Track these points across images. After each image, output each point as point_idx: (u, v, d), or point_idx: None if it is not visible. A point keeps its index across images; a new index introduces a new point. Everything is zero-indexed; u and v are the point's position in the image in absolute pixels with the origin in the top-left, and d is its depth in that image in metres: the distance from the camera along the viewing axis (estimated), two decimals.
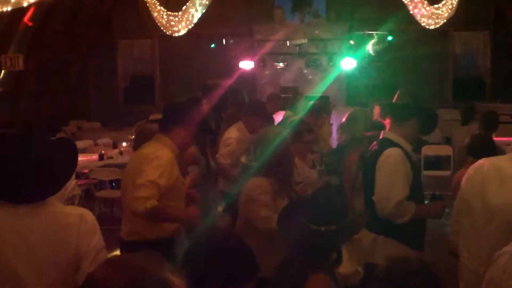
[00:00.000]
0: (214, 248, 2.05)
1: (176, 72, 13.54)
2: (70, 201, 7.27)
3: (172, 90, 12.76)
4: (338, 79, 12.07)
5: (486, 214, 2.67)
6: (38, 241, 2.37)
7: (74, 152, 2.61)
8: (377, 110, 4.52)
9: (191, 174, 4.35)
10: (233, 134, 5.65)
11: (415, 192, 3.49)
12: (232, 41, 12.81)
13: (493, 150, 4.36)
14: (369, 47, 11.78)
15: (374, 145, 3.67)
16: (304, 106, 6.67)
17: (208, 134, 4.97)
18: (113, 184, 8.94)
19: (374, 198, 3.47)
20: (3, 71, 10.41)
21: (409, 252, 3.30)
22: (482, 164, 2.82)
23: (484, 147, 4.43)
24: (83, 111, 14.03)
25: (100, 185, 8.85)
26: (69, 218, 2.46)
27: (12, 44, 10.44)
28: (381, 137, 3.66)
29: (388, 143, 3.52)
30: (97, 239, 2.50)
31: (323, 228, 2.59)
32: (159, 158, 3.53)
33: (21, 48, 10.62)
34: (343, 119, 5.60)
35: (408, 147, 3.53)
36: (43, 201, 2.42)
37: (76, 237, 2.43)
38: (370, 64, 12.45)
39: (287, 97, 8.59)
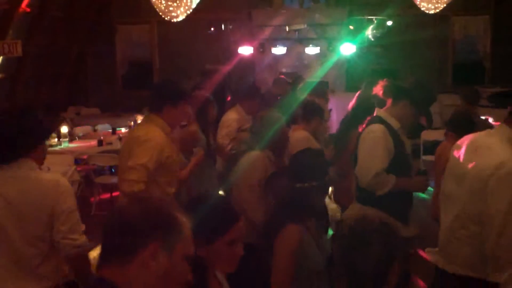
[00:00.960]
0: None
1: (175, 57, 13.49)
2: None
3: (170, 75, 12.72)
4: (337, 64, 12.03)
5: (460, 176, 2.79)
6: (18, 200, 2.76)
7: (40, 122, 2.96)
8: (379, 86, 4.66)
9: (196, 154, 4.59)
10: (232, 116, 6.14)
11: (401, 168, 3.70)
12: (231, 27, 12.73)
13: (472, 125, 4.58)
14: (369, 32, 11.70)
15: (366, 121, 3.88)
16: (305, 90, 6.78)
17: (208, 115, 5.28)
18: (112, 170, 8.94)
19: (356, 169, 3.74)
20: (1, 57, 10.36)
21: (393, 223, 3.30)
22: (464, 138, 2.95)
23: (463, 122, 4.74)
24: (82, 97, 14.00)
25: (99, 171, 8.86)
26: (47, 182, 2.83)
27: (10, 30, 10.38)
28: (374, 114, 3.85)
29: (377, 119, 3.75)
30: (71, 202, 2.86)
31: (306, 184, 3.04)
32: (149, 141, 3.71)
33: (19, 34, 10.56)
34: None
35: (396, 125, 3.73)
36: (20, 162, 2.80)
37: (52, 199, 2.79)
38: (369, 49, 12.41)
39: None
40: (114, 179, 8.21)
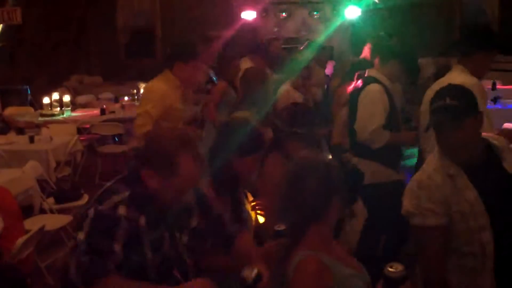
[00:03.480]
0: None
1: (177, 24, 13.28)
2: (72, 156, 7.23)
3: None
4: (342, 28, 11.82)
5: None
6: None
7: None
8: (367, 48, 5.23)
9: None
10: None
11: (393, 123, 4.09)
12: None
13: None
14: None
15: (360, 81, 4.20)
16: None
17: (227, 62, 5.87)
18: (116, 138, 8.88)
19: (355, 126, 4.08)
20: (0, 25, 10.22)
21: (385, 171, 4.05)
22: None
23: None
24: (84, 65, 13.86)
25: (103, 140, 8.79)
26: None
27: None
28: (366, 74, 4.18)
29: (372, 79, 4.08)
30: None
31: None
32: (151, 92, 4.49)
33: (19, 1, 10.39)
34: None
35: (388, 83, 4.09)
36: None
37: None
38: (374, 12, 12.17)
39: (291, 47, 8.48)
40: (117, 149, 8.16)
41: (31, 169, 5.61)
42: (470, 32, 4.13)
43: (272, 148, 3.32)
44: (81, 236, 2.05)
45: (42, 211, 5.33)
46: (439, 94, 2.49)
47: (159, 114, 4.31)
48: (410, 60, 4.26)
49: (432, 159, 2.55)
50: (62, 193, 5.67)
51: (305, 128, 3.28)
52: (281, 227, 2.40)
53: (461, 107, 2.37)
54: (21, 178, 5.28)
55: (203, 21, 13.06)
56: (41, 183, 5.90)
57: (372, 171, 3.87)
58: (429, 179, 2.47)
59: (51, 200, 5.51)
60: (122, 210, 2.08)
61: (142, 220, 2.15)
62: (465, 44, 3.91)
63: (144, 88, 4.64)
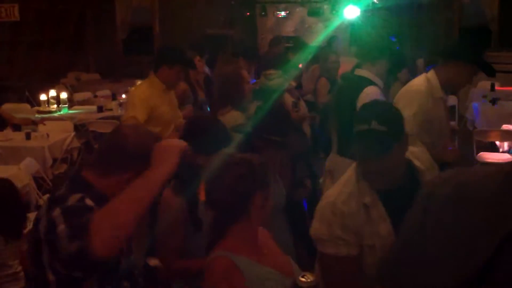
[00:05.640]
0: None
1: (176, 21, 13.26)
2: (68, 153, 7.20)
3: (171, 40, 12.50)
4: (340, 29, 11.80)
5: None
6: None
7: None
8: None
9: (185, 109, 5.16)
10: None
11: None
12: None
13: None
14: None
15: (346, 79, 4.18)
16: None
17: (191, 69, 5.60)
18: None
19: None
20: None
21: None
22: None
23: None
24: (82, 62, 13.82)
25: (100, 137, 8.75)
26: None
27: None
28: (355, 74, 4.05)
29: (365, 80, 3.92)
30: None
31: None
32: (133, 96, 4.53)
33: None
34: None
35: (381, 84, 3.97)
36: None
37: None
38: (374, 12, 12.15)
39: (289, 46, 8.45)
40: None
41: (28, 166, 5.58)
42: (454, 41, 4.17)
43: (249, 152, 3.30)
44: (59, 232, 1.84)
45: (38, 208, 5.30)
46: (364, 115, 2.28)
47: (145, 117, 4.31)
48: (397, 58, 4.16)
49: (349, 180, 2.36)
50: None
51: (280, 137, 3.21)
52: (307, 277, 2.34)
53: (390, 133, 2.19)
54: (17, 175, 5.26)
55: (202, 18, 13.05)
56: (38, 180, 5.87)
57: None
58: (343, 204, 2.29)
59: (47, 197, 5.47)
60: (89, 202, 1.96)
61: None
62: (444, 51, 3.89)
63: (128, 93, 4.71)
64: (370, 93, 3.86)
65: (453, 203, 1.26)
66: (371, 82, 3.92)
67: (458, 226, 1.22)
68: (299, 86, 6.46)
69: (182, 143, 2.09)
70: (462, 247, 1.20)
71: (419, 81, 3.77)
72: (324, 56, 6.94)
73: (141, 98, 4.39)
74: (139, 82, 9.47)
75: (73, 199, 1.95)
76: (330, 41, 9.21)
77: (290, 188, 3.61)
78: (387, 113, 2.29)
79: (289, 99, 5.14)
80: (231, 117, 4.11)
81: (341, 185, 2.39)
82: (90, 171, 2.09)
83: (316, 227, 2.35)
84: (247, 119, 4.05)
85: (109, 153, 2.11)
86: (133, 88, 4.67)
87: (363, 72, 4.01)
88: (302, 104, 5.46)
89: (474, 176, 1.29)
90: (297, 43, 7.73)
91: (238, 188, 2.11)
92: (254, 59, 6.59)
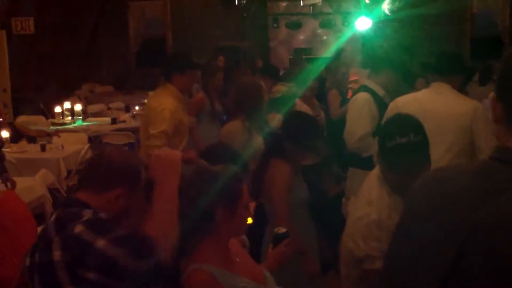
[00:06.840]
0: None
1: (188, 33, 13.35)
2: (83, 165, 7.27)
3: (184, 52, 12.58)
4: (352, 40, 11.83)
5: None
6: None
7: None
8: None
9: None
10: None
11: None
12: (244, 1, 12.55)
13: None
14: (385, 6, 11.48)
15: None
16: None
17: (211, 76, 5.91)
18: (127, 148, 8.91)
19: (344, 135, 4.11)
20: (13, 35, 10.31)
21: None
22: None
23: None
24: (96, 74, 13.93)
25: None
26: None
27: (21, 7, 10.31)
28: (359, 84, 4.38)
29: (363, 88, 4.10)
30: None
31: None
32: (165, 111, 4.34)
33: (31, 11, 10.48)
34: None
35: (382, 92, 4.04)
36: None
37: None
38: (385, 23, 12.17)
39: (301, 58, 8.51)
40: None
41: (43, 178, 5.64)
42: (451, 53, 4.25)
43: (274, 154, 3.49)
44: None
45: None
46: (396, 129, 2.28)
47: (173, 130, 4.35)
48: (403, 69, 4.22)
49: (382, 196, 2.35)
50: None
51: (309, 140, 3.47)
52: (280, 230, 2.53)
53: (427, 142, 2.22)
54: (32, 187, 5.32)
55: (214, 30, 13.13)
56: (52, 191, 5.92)
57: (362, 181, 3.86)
58: (389, 219, 2.27)
59: (44, 224, 5.49)
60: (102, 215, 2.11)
61: None
62: (445, 62, 3.93)
63: (154, 107, 4.44)
64: (358, 99, 4.04)
65: (427, 198, 1.32)
66: (366, 89, 4.04)
67: (432, 219, 1.27)
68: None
69: (178, 154, 2.22)
70: (435, 240, 1.24)
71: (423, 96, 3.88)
72: (333, 68, 6.97)
73: (171, 111, 4.35)
74: (151, 93, 9.58)
75: (88, 213, 2.07)
76: (339, 53, 9.22)
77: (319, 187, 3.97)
78: (416, 123, 2.35)
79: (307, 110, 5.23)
80: (231, 127, 4.27)
81: (375, 201, 2.39)
82: (83, 192, 2.18)
83: (361, 246, 2.35)
84: (248, 130, 4.16)
85: (98, 171, 2.20)
86: (157, 102, 4.45)
87: (367, 82, 4.15)
88: (322, 114, 5.71)
89: (448, 172, 1.36)
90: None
91: (200, 202, 2.09)
92: (273, 77, 6.44)
